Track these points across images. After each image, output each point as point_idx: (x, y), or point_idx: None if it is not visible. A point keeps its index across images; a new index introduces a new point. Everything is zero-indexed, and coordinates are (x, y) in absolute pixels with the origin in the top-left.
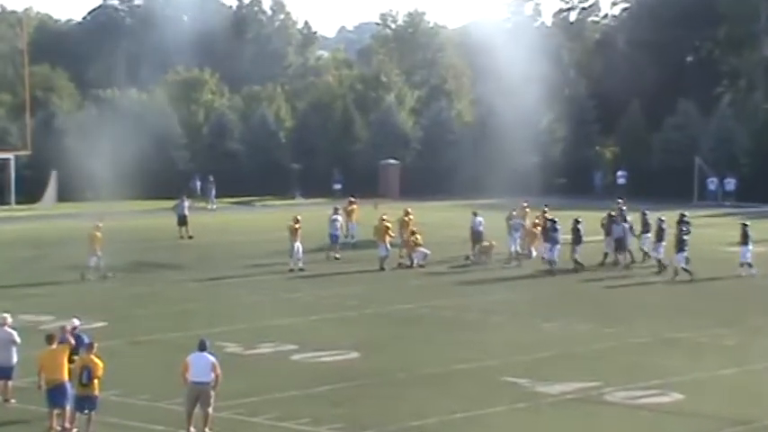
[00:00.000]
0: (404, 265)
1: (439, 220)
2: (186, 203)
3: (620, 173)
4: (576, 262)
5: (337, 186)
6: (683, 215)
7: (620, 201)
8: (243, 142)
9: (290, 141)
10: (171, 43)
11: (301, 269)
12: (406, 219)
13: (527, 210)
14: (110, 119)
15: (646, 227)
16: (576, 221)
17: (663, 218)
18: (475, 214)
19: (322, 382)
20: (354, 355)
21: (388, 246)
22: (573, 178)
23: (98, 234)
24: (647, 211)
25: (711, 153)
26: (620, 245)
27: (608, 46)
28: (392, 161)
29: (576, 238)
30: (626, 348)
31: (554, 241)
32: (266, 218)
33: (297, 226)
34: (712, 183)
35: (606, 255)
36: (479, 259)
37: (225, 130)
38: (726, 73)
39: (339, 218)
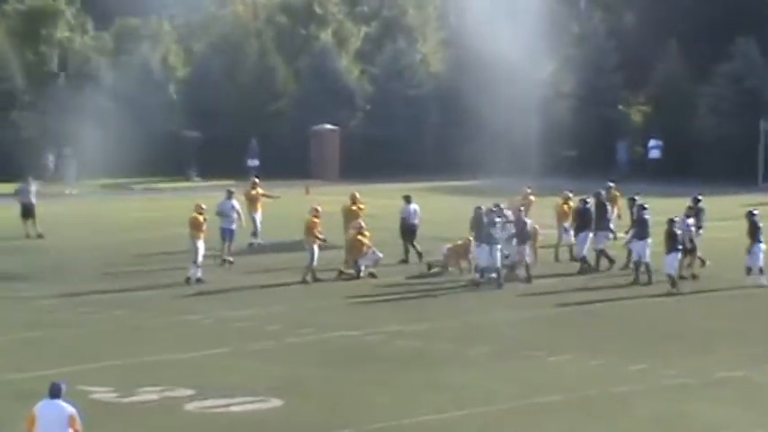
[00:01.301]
0: (346, 274)
1: (395, 211)
2: (33, 188)
3: (652, 143)
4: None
5: (253, 163)
6: (696, 200)
7: (611, 184)
8: (115, 98)
9: (183, 98)
10: None
11: (199, 280)
12: (354, 208)
13: (531, 198)
14: None
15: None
16: (520, 211)
17: (646, 205)
18: (407, 200)
19: None
20: (276, 403)
21: (315, 248)
22: (587, 150)
23: None
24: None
25: None
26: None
27: None
28: (330, 127)
29: (522, 233)
30: (660, 392)
31: (491, 241)
32: (150, 207)
33: (202, 219)
34: None
35: (583, 261)
36: (451, 264)
37: (88, 81)
38: None
39: (236, 204)
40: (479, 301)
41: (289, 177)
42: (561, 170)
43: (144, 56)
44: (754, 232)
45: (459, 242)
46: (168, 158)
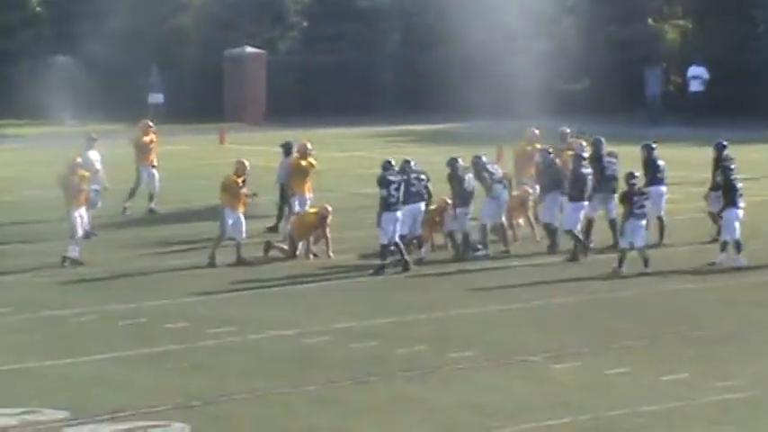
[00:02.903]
0: (278, 249)
1: (345, 166)
2: None
3: (693, 71)
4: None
5: (156, 98)
6: (722, 146)
7: (567, 130)
8: None
9: (49, 12)
10: None
11: (75, 261)
12: (304, 164)
13: (536, 144)
14: None
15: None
16: (455, 161)
17: (612, 159)
18: (287, 150)
19: None
20: (182, 428)
21: (235, 217)
22: (601, 83)
23: None
24: None
25: None
26: None
27: None
28: (252, 50)
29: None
30: (712, 410)
31: (386, 207)
32: (6, 161)
33: (78, 180)
34: None
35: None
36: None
37: None
38: None
39: (96, 156)
40: (454, 287)
41: (196, 119)
42: (568, 107)
43: None
44: (730, 193)
45: (433, 207)
46: (32, 94)
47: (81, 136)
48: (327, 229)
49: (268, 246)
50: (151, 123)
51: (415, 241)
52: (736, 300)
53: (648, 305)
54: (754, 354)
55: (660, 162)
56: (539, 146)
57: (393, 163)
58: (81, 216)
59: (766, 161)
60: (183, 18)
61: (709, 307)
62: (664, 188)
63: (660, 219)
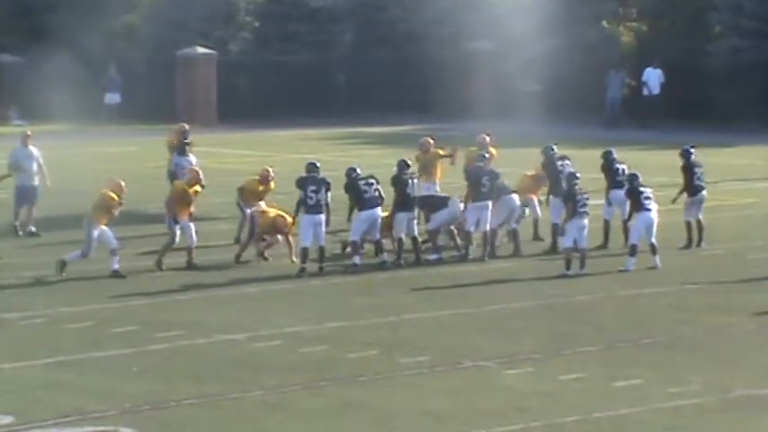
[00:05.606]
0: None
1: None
2: None
3: (648, 74)
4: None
5: (113, 98)
6: (688, 153)
7: (487, 137)
8: None
9: None
10: None
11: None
12: (261, 189)
13: (492, 151)
14: None
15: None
16: (403, 164)
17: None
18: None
19: None
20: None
21: (184, 226)
22: (558, 85)
23: None
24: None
25: None
26: None
27: None
28: (203, 51)
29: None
30: (662, 415)
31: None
32: None
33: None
34: None
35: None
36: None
37: None
38: None
39: (35, 152)
40: (406, 292)
41: (148, 120)
42: (525, 112)
43: None
44: (635, 196)
45: (386, 214)
46: None
47: (42, 137)
48: (290, 236)
49: (260, 253)
50: (187, 126)
51: (373, 246)
52: (690, 305)
53: (602, 310)
54: (707, 359)
55: (620, 166)
56: (494, 150)
57: (318, 165)
58: (100, 233)
59: (721, 165)
60: (130, 15)
61: (663, 312)
62: (653, 213)
63: (624, 222)
